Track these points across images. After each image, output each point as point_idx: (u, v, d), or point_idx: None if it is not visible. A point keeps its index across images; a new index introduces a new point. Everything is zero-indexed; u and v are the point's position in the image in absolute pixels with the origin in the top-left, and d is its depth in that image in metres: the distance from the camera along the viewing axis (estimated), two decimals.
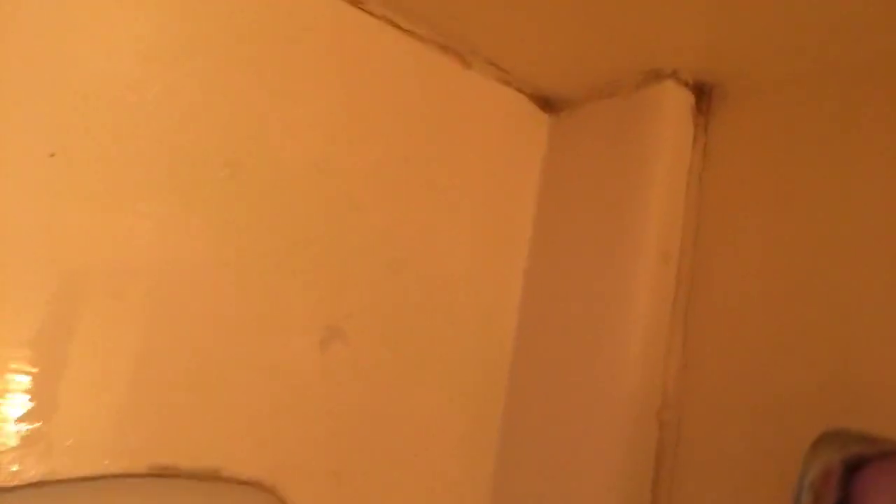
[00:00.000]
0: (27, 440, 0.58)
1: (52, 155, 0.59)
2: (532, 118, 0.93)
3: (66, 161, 0.60)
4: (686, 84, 0.82)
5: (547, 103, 0.94)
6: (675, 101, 0.82)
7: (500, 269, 0.90)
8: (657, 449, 0.77)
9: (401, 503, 0.80)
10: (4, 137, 0.58)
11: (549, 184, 0.93)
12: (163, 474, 0.65)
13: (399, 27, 0.81)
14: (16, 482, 0.58)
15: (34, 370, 0.59)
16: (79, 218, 0.61)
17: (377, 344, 0.79)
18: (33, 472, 0.59)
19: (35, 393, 0.59)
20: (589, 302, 0.83)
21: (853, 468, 0.48)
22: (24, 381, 0.59)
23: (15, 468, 0.58)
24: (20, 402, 0.58)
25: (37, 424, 0.59)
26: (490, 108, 0.90)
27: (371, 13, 0.78)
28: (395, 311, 0.81)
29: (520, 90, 0.92)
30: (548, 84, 0.91)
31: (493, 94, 0.90)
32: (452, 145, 0.87)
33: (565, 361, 0.83)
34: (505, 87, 0.91)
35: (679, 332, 0.79)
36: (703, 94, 0.83)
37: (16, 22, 0.58)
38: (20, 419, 0.58)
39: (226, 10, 0.70)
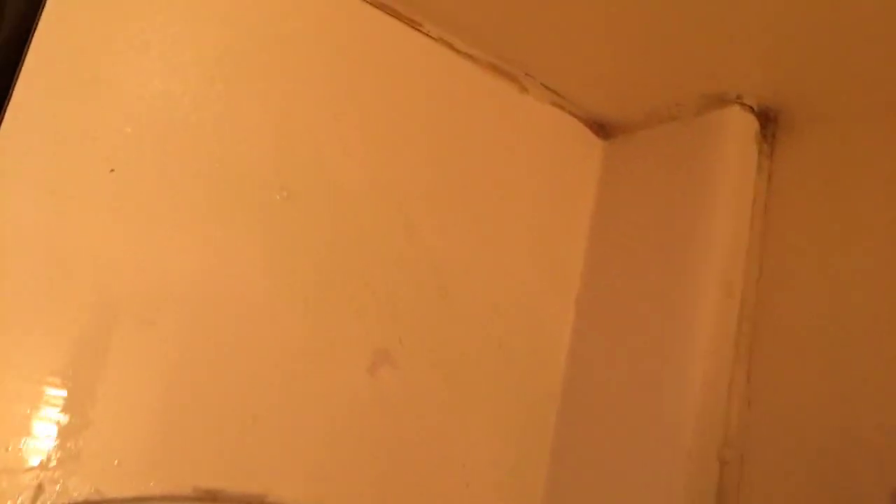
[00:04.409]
0: (69, 459, 0.57)
1: (112, 171, 0.59)
2: (586, 143, 0.92)
3: (126, 177, 0.60)
4: (751, 109, 0.79)
5: (601, 128, 0.92)
6: (740, 127, 0.79)
7: (551, 297, 0.87)
8: (718, 490, 0.73)
9: None
10: (66, 151, 0.58)
11: (603, 210, 0.90)
12: (208, 498, 0.64)
13: (455, 49, 0.80)
14: (63, 502, 0.57)
15: (73, 386, 0.59)
16: (134, 236, 0.61)
17: (426, 370, 0.77)
18: (77, 493, 0.58)
19: (75, 411, 0.58)
20: (646, 334, 0.79)
21: None
22: (62, 396, 0.58)
23: (59, 487, 0.57)
24: (62, 420, 0.58)
25: (78, 443, 0.58)
26: (544, 133, 0.88)
27: (428, 34, 0.78)
28: (445, 337, 0.79)
29: (574, 115, 0.90)
30: (603, 108, 0.90)
31: (548, 119, 0.88)
32: (506, 170, 0.85)
33: (620, 395, 0.80)
34: (559, 112, 0.89)
35: (742, 367, 0.76)
36: (768, 120, 0.80)
37: (81, 35, 0.59)
38: (62, 437, 0.57)
39: (286, 32, 0.70)
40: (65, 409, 0.58)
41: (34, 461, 0.56)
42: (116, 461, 0.60)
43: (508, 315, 0.84)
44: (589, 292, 0.88)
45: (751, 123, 0.79)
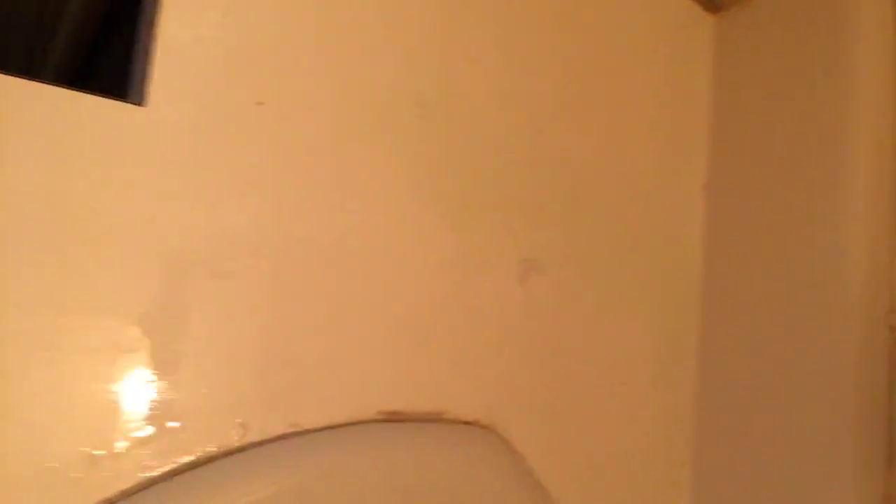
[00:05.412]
0: (268, 396, 0.58)
1: (261, 104, 0.57)
2: (696, 20, 0.86)
3: (275, 109, 0.58)
4: None
5: (710, 2, 0.87)
6: None
7: (678, 186, 0.85)
8: (889, 358, 0.71)
9: (608, 435, 0.77)
10: (216, 85, 0.56)
11: (723, 88, 0.86)
12: (392, 419, 0.64)
13: None
14: (262, 437, 0.58)
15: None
16: (282, 166, 0.60)
17: (573, 274, 0.75)
18: (281, 428, 0.58)
19: (270, 347, 0.58)
20: (791, 207, 0.76)
21: None
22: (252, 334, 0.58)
23: (260, 425, 0.57)
24: (255, 358, 0.58)
25: (276, 379, 0.58)
26: (653, 16, 0.83)
27: None
28: (584, 238, 0.77)
29: None
30: None
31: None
32: (619, 59, 0.81)
33: (767, 271, 0.78)
34: None
35: None
36: None
37: None
38: (258, 374, 0.58)
39: None
40: (258, 346, 0.58)
41: (235, 401, 0.56)
42: (307, 394, 0.60)
43: (640, 209, 0.81)
44: (718, 176, 0.85)
45: None
